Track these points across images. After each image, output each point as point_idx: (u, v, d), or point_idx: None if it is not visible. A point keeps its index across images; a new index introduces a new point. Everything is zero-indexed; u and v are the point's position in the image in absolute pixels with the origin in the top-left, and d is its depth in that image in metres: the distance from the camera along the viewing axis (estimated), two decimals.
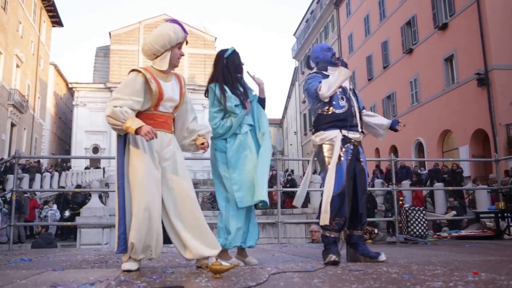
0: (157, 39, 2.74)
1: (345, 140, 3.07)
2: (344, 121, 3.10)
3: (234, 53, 3.18)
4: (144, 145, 2.67)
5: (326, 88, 3.09)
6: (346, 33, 27.92)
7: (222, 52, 3.20)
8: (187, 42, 2.88)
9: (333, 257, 2.83)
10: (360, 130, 3.17)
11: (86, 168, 26.92)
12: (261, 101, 3.25)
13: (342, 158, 3.03)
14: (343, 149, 3.05)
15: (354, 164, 3.07)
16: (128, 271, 2.55)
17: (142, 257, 2.64)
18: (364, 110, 3.35)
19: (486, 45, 15.04)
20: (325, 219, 2.97)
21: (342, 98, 3.14)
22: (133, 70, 2.75)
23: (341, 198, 2.96)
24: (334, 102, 3.14)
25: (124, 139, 2.73)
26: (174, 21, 2.85)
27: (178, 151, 2.83)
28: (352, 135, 3.10)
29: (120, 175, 2.67)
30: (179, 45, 2.80)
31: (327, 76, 3.18)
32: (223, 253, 2.96)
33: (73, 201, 14.73)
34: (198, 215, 2.74)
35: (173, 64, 2.82)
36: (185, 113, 2.93)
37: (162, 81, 2.76)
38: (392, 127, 3.37)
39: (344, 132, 3.08)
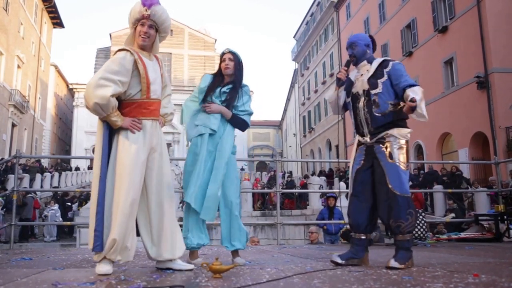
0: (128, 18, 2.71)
1: (360, 143, 3.05)
2: (357, 129, 3.09)
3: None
4: (137, 133, 2.54)
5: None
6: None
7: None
8: (148, 16, 2.60)
9: (333, 257, 2.85)
10: (369, 139, 2.97)
11: (76, 169, 26.36)
12: (232, 120, 3.12)
13: (355, 161, 3.03)
14: (357, 152, 3.04)
15: (371, 166, 2.94)
16: (105, 275, 2.35)
17: (118, 259, 2.45)
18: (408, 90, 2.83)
19: (486, 48, 15.05)
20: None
21: (351, 109, 3.10)
22: (122, 49, 2.59)
23: (350, 199, 3.00)
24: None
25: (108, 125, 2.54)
26: None
27: (163, 139, 2.75)
28: (363, 140, 3.02)
29: (104, 164, 2.47)
30: (141, 22, 2.62)
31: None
32: (190, 253, 2.98)
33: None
34: (170, 215, 2.62)
35: (137, 43, 2.65)
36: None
37: (146, 59, 2.64)
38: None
39: (359, 137, 3.07)
